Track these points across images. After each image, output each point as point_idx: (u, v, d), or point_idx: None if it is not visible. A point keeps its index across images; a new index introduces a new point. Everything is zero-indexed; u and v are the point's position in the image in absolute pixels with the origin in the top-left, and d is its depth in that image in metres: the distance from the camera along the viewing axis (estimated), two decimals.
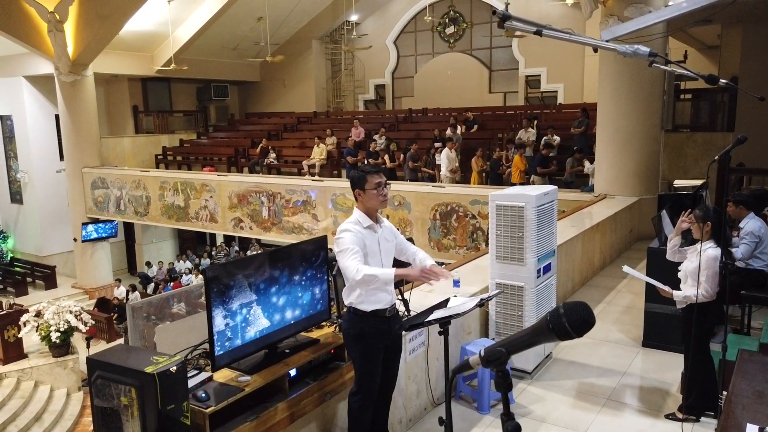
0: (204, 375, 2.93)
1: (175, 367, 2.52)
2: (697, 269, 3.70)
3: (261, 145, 16.34)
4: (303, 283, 3.38)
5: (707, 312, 3.75)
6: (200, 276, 14.96)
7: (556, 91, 16.86)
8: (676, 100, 11.49)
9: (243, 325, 3.03)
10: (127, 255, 19.61)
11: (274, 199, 13.18)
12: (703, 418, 3.99)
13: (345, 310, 3.19)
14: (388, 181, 3.14)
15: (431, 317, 2.87)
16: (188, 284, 15.67)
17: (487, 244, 9.08)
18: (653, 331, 5.21)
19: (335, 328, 3.59)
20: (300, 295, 3.37)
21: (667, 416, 4.08)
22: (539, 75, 17.23)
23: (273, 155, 16.11)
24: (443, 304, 3.08)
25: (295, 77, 20.90)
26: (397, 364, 3.27)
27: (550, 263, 4.83)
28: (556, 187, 4.87)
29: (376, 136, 14.29)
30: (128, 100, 19.18)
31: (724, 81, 2.88)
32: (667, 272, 4.93)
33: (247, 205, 13.58)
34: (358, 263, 2.88)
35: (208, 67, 19.64)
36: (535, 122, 12.60)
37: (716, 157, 3.38)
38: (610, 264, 7.95)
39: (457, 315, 2.90)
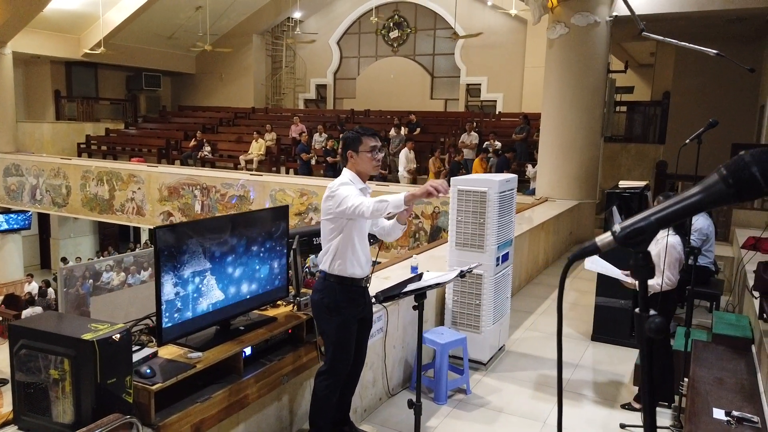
0: (147, 351, 2.58)
1: (118, 335, 2.18)
2: (657, 258, 3.69)
3: (196, 137, 15.63)
4: (261, 254, 3.08)
5: (669, 300, 3.75)
6: (122, 274, 14.06)
7: (496, 101, 17.19)
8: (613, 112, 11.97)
9: (195, 296, 2.70)
10: (40, 250, 18.18)
11: (209, 193, 12.58)
12: (657, 408, 3.98)
13: (316, 277, 2.93)
14: (382, 146, 2.93)
15: (408, 288, 2.67)
16: (109, 283, 14.69)
17: (429, 242, 9.01)
18: (602, 325, 5.24)
19: (293, 307, 3.31)
20: (257, 267, 3.07)
21: (623, 406, 4.06)
22: (480, 84, 17.52)
23: (208, 148, 15.45)
24: (417, 278, 2.88)
25: (233, 71, 20.25)
26: (367, 339, 3.05)
27: (508, 252, 4.75)
28: (515, 175, 4.81)
29: (316, 135, 13.98)
30: (50, 84, 17.87)
31: (714, 51, 2.86)
32: (617, 265, 4.99)
33: (179, 198, 12.88)
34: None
35: (140, 55, 18.65)
36: (477, 128, 12.72)
37: (687, 141, 3.39)
38: (552, 264, 8.05)
39: (437, 285, 2.71)
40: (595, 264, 4.07)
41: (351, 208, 2.72)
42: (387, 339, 4.00)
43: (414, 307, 2.71)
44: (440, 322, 4.72)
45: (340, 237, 2.86)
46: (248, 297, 3.03)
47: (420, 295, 2.67)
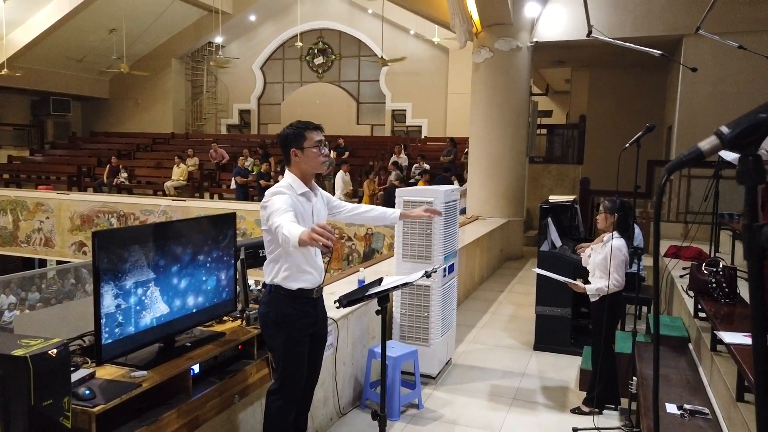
0: (84, 371, 2.30)
1: (55, 350, 1.92)
2: (604, 261, 3.79)
3: (111, 162, 14.80)
4: (208, 264, 2.87)
5: (617, 302, 3.83)
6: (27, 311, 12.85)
7: (421, 126, 17.54)
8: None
9: (138, 308, 2.45)
10: None
11: (126, 220, 11.87)
12: (605, 411, 4.04)
13: (262, 290, 2.73)
14: (326, 141, 2.78)
15: (372, 291, 2.55)
16: (11, 321, 13.42)
17: (361, 262, 8.91)
18: (543, 334, 5.31)
19: (242, 321, 3.10)
20: (204, 279, 2.85)
21: (573, 410, 4.09)
22: (405, 110, 17.84)
23: (125, 175, 14.66)
24: (377, 283, 2.76)
25: (150, 96, 19.50)
26: (321, 355, 2.87)
27: (453, 264, 4.74)
28: (459, 187, 4.83)
29: (241, 158, 13.63)
30: None
31: (658, 52, 2.99)
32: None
33: (93, 226, 12.06)
34: (285, 221, 2.42)
35: (48, 78, 17.57)
36: (404, 150, 12.89)
37: (626, 145, 3.52)
38: (487, 279, 8.16)
39: (403, 285, 2.61)
40: (543, 271, 4.14)
41: (273, 226, 2.42)
42: (337, 355, 3.83)
43: (377, 312, 2.59)
44: (389, 336, 4.60)
45: (280, 250, 2.61)
46: (194, 311, 2.80)
47: (383, 298, 2.56)
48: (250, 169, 13.44)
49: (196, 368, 2.64)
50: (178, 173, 14.09)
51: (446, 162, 12.10)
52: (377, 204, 11.53)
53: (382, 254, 10.21)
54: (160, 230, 2.63)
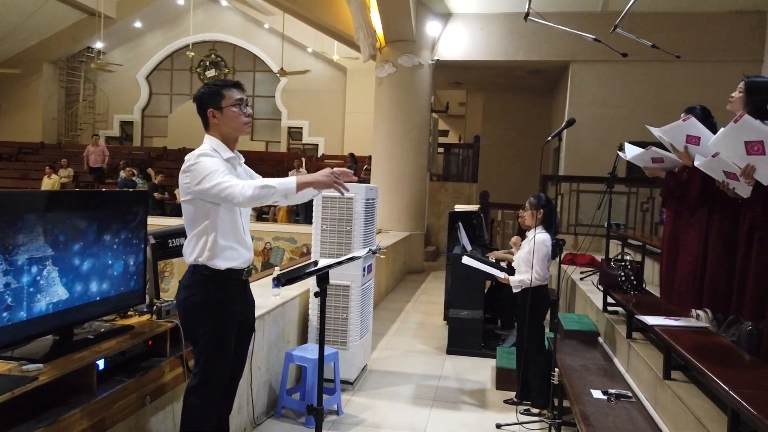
0: None
1: None
2: (528, 255, 3.84)
3: None
4: (115, 246, 2.49)
5: (541, 296, 3.86)
6: None
7: (318, 144, 17.40)
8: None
9: (31, 290, 2.04)
10: None
11: None
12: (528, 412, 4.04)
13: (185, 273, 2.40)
14: (248, 100, 2.52)
15: (312, 269, 2.32)
16: None
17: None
18: (456, 337, 5.30)
19: (151, 315, 2.73)
20: (110, 263, 2.47)
21: (524, 412, 4.00)
22: (302, 127, 17.64)
23: None
24: (313, 264, 2.54)
25: (16, 102, 17.66)
26: (248, 346, 2.57)
27: (371, 264, 4.60)
28: (377, 186, 4.73)
29: (128, 169, 12.65)
30: None
31: (592, 36, 3.09)
32: (467, 276, 5.15)
33: None
34: (236, 180, 2.21)
35: None
36: (304, 163, 12.67)
37: (549, 138, 3.61)
38: (392, 291, 8.10)
39: (350, 260, 2.41)
40: (471, 261, 4.12)
41: (217, 188, 2.18)
42: (253, 359, 3.51)
43: (315, 294, 2.37)
44: (304, 339, 4.34)
45: (206, 223, 2.32)
46: (98, 299, 2.40)
47: (323, 278, 2.34)
48: (136, 181, 12.49)
49: (101, 364, 2.25)
50: (49, 184, 12.77)
51: None
52: (296, 219, 11.18)
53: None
54: (61, 199, 2.24)
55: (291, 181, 2.24)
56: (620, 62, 8.96)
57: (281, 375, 3.88)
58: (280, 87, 17.42)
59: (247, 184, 2.21)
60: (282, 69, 14.97)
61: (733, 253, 3.13)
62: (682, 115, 3.73)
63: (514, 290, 3.93)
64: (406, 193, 9.52)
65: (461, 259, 4.43)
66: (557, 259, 3.67)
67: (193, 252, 2.33)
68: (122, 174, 12.46)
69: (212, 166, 2.23)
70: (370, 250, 2.62)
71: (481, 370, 4.88)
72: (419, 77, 9.46)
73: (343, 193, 2.31)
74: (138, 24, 17.73)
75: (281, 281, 2.20)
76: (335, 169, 2.35)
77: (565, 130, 3.50)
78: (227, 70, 18.17)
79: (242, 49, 17.98)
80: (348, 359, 4.26)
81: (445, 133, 15.61)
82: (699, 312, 3.19)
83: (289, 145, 17.71)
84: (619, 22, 3.86)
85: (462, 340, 5.29)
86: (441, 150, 12.42)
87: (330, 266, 2.34)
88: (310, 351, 3.88)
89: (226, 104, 2.37)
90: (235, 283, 2.38)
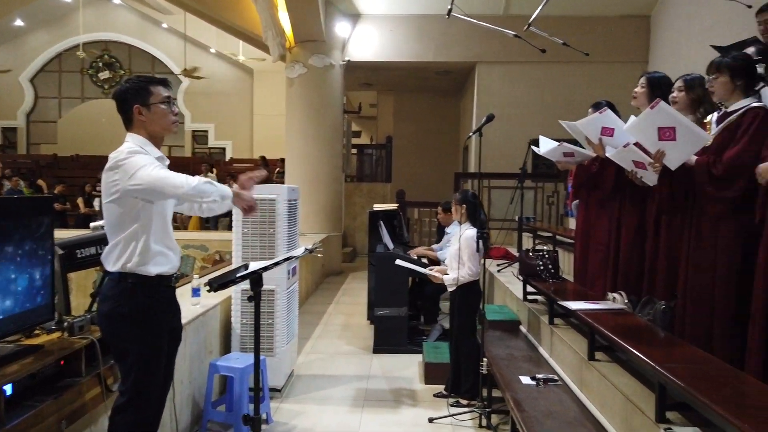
0: None
1: None
2: (458, 252, 3.89)
3: None
4: (18, 258, 2.24)
5: (473, 291, 3.91)
6: None
7: (225, 148, 16.85)
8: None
9: None
10: None
11: None
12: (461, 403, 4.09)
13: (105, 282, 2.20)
14: (175, 99, 2.36)
15: (244, 272, 2.21)
16: None
17: None
18: (383, 335, 5.29)
19: (62, 333, 2.48)
20: (13, 277, 2.21)
21: (454, 404, 4.03)
22: (207, 131, 17.00)
23: None
24: (243, 268, 2.42)
25: None
26: (175, 357, 2.41)
27: (296, 266, 4.49)
28: (298, 186, 4.62)
29: (15, 179, 11.58)
30: None
31: (513, 32, 3.16)
32: (391, 274, 5.17)
33: None
34: (174, 173, 2.07)
35: None
36: (214, 169, 12.23)
37: (470, 135, 3.69)
38: (313, 294, 7.99)
39: (287, 260, 2.31)
40: (404, 263, 4.12)
41: (158, 182, 2.07)
42: (174, 373, 3.30)
43: (249, 298, 2.25)
44: (227, 349, 4.15)
45: (136, 226, 2.17)
46: (1, 317, 2.15)
47: (256, 281, 2.23)
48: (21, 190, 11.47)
49: (8, 389, 2.01)
50: None
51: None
52: (206, 226, 10.72)
53: (191, 278, 9.42)
54: None
55: (228, 191, 2.21)
56: (523, 63, 9.41)
57: (205, 387, 3.68)
58: (182, 89, 16.70)
59: (187, 177, 2.12)
60: (185, 69, 14.35)
61: (643, 238, 3.35)
62: (590, 110, 3.95)
63: (450, 289, 3.94)
64: (322, 194, 9.43)
65: (392, 260, 4.43)
66: (481, 252, 3.73)
67: (119, 258, 2.15)
68: (7, 184, 11.41)
69: (146, 160, 2.09)
70: (306, 248, 2.54)
71: (408, 367, 4.90)
72: (331, 78, 9.40)
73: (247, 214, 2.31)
74: (19, 22, 16.32)
75: (213, 287, 2.07)
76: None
77: (482, 127, 3.58)
78: (123, 72, 17.16)
79: (139, 50, 17.06)
80: (275, 365, 4.12)
81: (357, 134, 15.65)
82: (615, 295, 3.38)
83: (194, 149, 17.02)
84: (533, 21, 4.03)
85: (388, 339, 5.30)
86: (354, 151, 12.44)
87: (265, 268, 2.24)
88: (236, 360, 3.72)
89: (154, 101, 2.21)
90: (165, 290, 2.23)
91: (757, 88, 2.72)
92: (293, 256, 2.45)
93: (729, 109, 2.74)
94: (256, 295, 2.26)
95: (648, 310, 3.04)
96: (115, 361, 2.34)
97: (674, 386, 2.04)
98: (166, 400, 2.40)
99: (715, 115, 2.87)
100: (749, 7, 3.84)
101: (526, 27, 4.08)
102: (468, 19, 4.30)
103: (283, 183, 9.77)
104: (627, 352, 2.45)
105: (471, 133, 3.63)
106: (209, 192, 2.14)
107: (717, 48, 3.53)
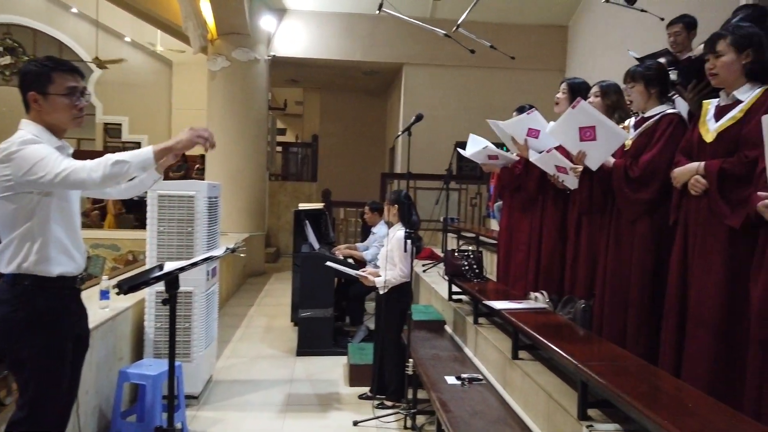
0: None
1: None
2: (390, 253, 3.83)
3: None
4: None
5: (404, 293, 3.83)
6: None
7: (140, 142, 16.00)
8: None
9: None
10: None
11: None
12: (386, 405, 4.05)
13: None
14: (87, 89, 2.14)
15: (159, 273, 2.04)
16: None
17: None
18: (307, 337, 5.17)
19: None
20: None
21: (379, 406, 3.97)
22: (120, 124, 16.09)
23: None
24: (157, 269, 2.24)
25: None
26: (82, 365, 2.20)
27: (216, 267, 4.29)
28: (220, 183, 4.41)
29: None
30: None
31: (443, 31, 3.13)
32: (316, 275, 5.07)
33: None
34: (76, 162, 1.86)
35: None
36: None
37: (399, 133, 3.64)
38: (233, 296, 7.72)
39: (207, 260, 2.16)
40: (334, 264, 4.03)
41: (58, 176, 1.87)
42: (80, 382, 3.04)
43: (164, 301, 2.08)
44: (138, 356, 3.89)
45: (32, 222, 1.96)
46: None
47: (172, 283, 2.07)
48: None
49: None
50: None
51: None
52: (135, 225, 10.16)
53: (100, 279, 8.85)
54: None
55: (146, 151, 1.99)
56: (448, 67, 9.55)
57: (114, 397, 3.43)
58: (94, 79, 15.67)
59: (94, 163, 1.91)
60: (97, 58, 13.48)
61: (564, 238, 3.44)
62: (514, 113, 4.02)
63: (381, 291, 3.86)
64: (245, 192, 9.14)
65: (318, 260, 4.34)
66: (412, 253, 3.69)
67: (13, 258, 1.93)
68: None
69: (43, 151, 1.88)
70: (228, 248, 2.39)
71: (333, 369, 4.81)
72: (255, 72, 9.13)
73: (207, 149, 2.08)
74: None
75: (123, 289, 1.90)
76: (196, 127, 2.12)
77: (411, 127, 3.55)
78: (26, 58, 15.91)
79: (45, 35, 15.85)
80: (192, 371, 3.91)
81: (282, 132, 15.34)
82: (537, 294, 3.45)
83: (106, 142, 16.04)
84: (462, 21, 4.05)
85: (312, 341, 5.18)
86: (279, 149, 12.16)
87: (182, 269, 2.08)
88: (148, 367, 3.49)
89: (54, 91, 1.99)
90: (68, 292, 2.02)
91: (670, 95, 2.85)
92: (213, 256, 2.29)
93: (646, 115, 2.85)
94: (171, 298, 2.09)
95: (569, 308, 3.12)
96: (10, 372, 2.10)
97: (596, 384, 2.07)
98: (70, 414, 2.18)
99: (632, 120, 2.98)
100: (662, 19, 4.05)
101: (455, 28, 4.10)
102: (399, 15, 4.24)
103: (203, 180, 9.39)
104: (550, 351, 2.49)
105: (400, 133, 3.60)
106: (122, 173, 1.97)
107: (635, 58, 3.69)
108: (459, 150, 4.24)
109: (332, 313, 5.20)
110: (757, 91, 2.19)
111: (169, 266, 2.22)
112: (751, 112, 2.17)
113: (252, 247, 9.09)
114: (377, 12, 3.78)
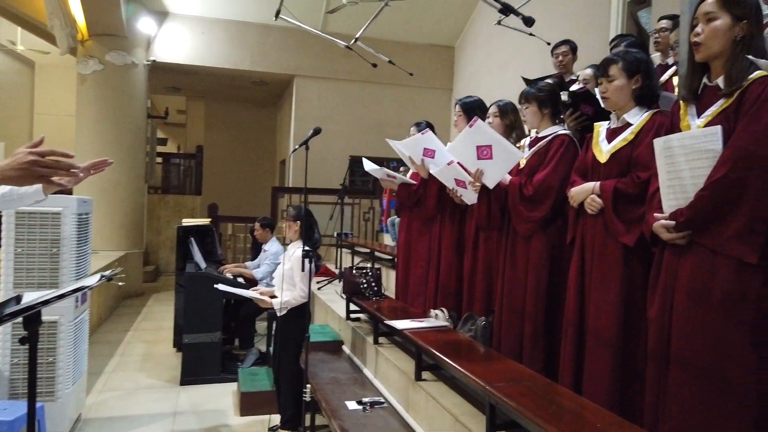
0: None
1: None
2: (290, 272, 3.61)
3: None
4: None
5: (303, 314, 3.61)
6: None
7: None
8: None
9: None
10: None
11: None
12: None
13: None
14: None
15: (15, 308, 1.71)
16: None
17: None
18: (192, 365, 4.78)
19: None
20: None
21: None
22: None
23: None
24: (14, 301, 1.89)
25: None
26: None
27: (86, 292, 3.82)
28: (92, 198, 3.96)
29: None
30: None
31: (344, 43, 3.01)
32: (203, 296, 4.73)
33: None
34: None
35: None
36: None
37: (296, 147, 3.47)
38: (107, 320, 7.02)
39: (76, 291, 1.83)
40: (225, 287, 3.74)
41: None
42: None
43: (21, 340, 1.74)
44: None
45: None
46: None
47: (33, 318, 1.74)
48: None
49: None
50: None
51: None
52: None
53: None
54: None
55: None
56: (340, 81, 9.50)
57: None
58: None
59: None
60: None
61: (462, 254, 3.44)
62: (412, 129, 4.01)
63: (279, 313, 3.61)
64: (120, 207, 8.40)
65: (205, 281, 4.02)
66: (310, 272, 3.50)
67: None
68: None
69: None
70: (103, 276, 2.08)
71: (222, 398, 4.48)
72: (133, 78, 8.47)
73: (63, 185, 1.71)
74: None
75: None
76: (39, 149, 1.51)
77: (309, 141, 3.40)
78: None
79: None
80: (57, 411, 3.44)
81: (163, 142, 14.43)
82: (437, 311, 3.42)
83: None
84: (360, 35, 3.98)
85: (198, 368, 4.80)
86: (160, 160, 11.38)
87: (46, 302, 1.76)
88: (3, 411, 3.00)
89: None
90: None
91: (562, 116, 2.95)
92: (84, 286, 1.98)
93: (539, 135, 2.93)
94: (32, 336, 1.76)
95: (469, 326, 3.11)
96: None
97: (506, 406, 2.04)
98: None
99: (527, 140, 3.05)
100: (548, 44, 4.25)
101: (353, 41, 4.01)
102: (300, 24, 4.08)
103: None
104: (458, 373, 2.43)
105: (297, 147, 3.43)
106: None
107: (525, 80, 3.82)
108: (365, 163, 4.16)
109: (220, 337, 4.86)
110: (646, 115, 2.30)
111: (29, 298, 1.88)
112: (640, 134, 2.27)
113: (128, 267, 8.37)
114: (274, 20, 3.59)
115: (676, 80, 3.07)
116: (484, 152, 2.89)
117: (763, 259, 1.67)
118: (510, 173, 2.96)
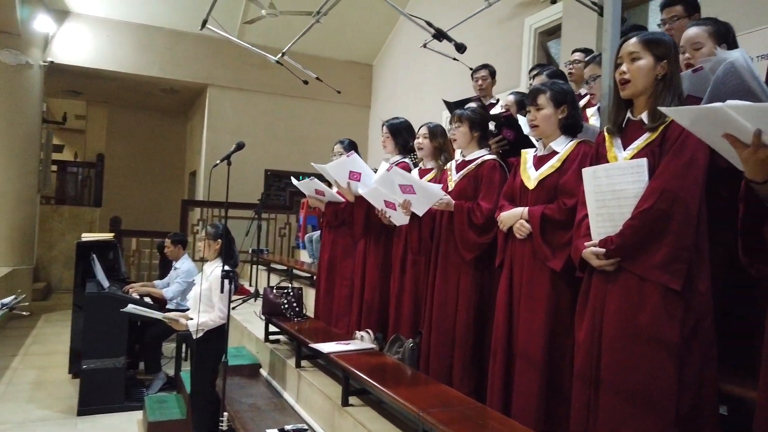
0: None
1: None
2: (208, 292, 3.40)
3: None
4: None
5: (221, 336, 3.40)
6: None
7: None
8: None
9: None
10: None
11: None
12: None
13: None
14: None
15: None
16: None
17: None
18: (92, 393, 4.40)
19: None
20: None
21: None
22: None
23: None
24: None
25: None
26: None
27: None
28: None
29: None
30: None
31: (275, 58, 2.89)
32: (108, 317, 4.41)
33: None
34: None
35: None
36: None
37: (218, 162, 3.31)
38: None
39: None
40: (135, 308, 3.46)
41: None
42: None
43: None
44: None
45: None
46: None
47: None
48: None
49: None
50: None
51: None
52: None
53: None
54: None
55: None
56: (256, 93, 9.29)
57: None
58: None
59: None
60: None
61: (388, 274, 3.42)
62: (336, 146, 3.96)
63: (196, 335, 3.38)
64: (8, 218, 7.67)
65: (108, 301, 3.71)
66: (229, 293, 3.33)
67: None
68: None
69: None
70: (4, 305, 1.83)
71: (126, 428, 4.16)
72: (27, 79, 7.80)
73: None
74: None
75: None
76: None
77: (228, 157, 3.26)
78: None
79: None
80: None
81: (60, 149, 13.38)
82: (362, 333, 3.36)
83: None
84: (287, 50, 3.88)
85: (98, 395, 4.43)
86: (55, 168, 10.52)
87: None
88: None
89: None
90: None
91: (489, 142, 3.01)
92: None
93: (467, 158, 2.98)
94: None
95: (397, 348, 3.08)
96: None
97: None
98: None
99: (454, 163, 3.08)
100: (471, 69, 4.37)
101: (281, 54, 3.91)
102: (225, 34, 3.92)
103: None
104: (389, 399, 2.39)
105: (219, 161, 3.26)
106: None
107: (446, 103, 3.89)
108: (294, 181, 4.05)
109: (124, 361, 4.51)
110: (571, 144, 2.40)
111: None
112: (566, 162, 2.36)
113: (16, 284, 7.62)
114: (200, 29, 3.42)
115: (589, 111, 3.22)
116: (406, 189, 2.90)
117: (686, 286, 1.78)
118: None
